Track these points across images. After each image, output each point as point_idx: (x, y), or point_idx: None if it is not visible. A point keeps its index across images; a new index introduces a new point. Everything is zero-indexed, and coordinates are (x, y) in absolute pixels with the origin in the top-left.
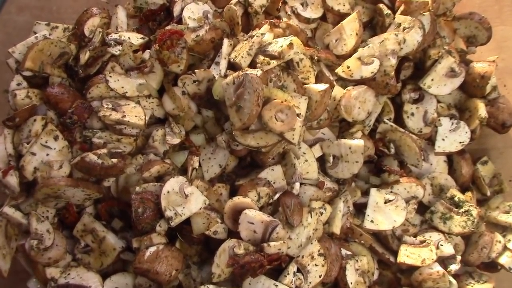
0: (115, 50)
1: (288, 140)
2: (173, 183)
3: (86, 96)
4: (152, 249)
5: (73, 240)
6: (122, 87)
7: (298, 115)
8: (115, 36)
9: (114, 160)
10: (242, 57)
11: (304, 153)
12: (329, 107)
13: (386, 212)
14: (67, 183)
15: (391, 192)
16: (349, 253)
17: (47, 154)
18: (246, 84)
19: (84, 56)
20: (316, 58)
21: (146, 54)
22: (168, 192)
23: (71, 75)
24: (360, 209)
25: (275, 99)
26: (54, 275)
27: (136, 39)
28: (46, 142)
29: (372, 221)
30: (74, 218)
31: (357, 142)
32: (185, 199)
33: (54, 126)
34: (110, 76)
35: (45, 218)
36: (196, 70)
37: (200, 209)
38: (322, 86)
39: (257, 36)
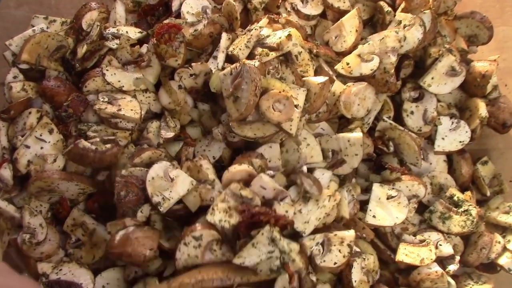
0: (113, 44)
1: (285, 131)
2: (157, 169)
3: (82, 90)
4: (122, 232)
5: (66, 236)
6: (119, 81)
7: (296, 106)
8: (113, 30)
9: (108, 146)
10: (240, 49)
11: (305, 138)
12: (329, 101)
13: (388, 208)
14: (60, 177)
15: (394, 188)
16: (357, 250)
17: (41, 148)
18: (244, 74)
19: (82, 50)
20: (315, 51)
21: (144, 48)
22: (153, 178)
23: (68, 69)
24: (361, 206)
25: (273, 89)
26: (45, 270)
27: (134, 33)
28: (40, 135)
29: (374, 216)
30: (67, 213)
31: (355, 135)
32: (171, 183)
33: (49, 119)
34: (107, 70)
35: (38, 212)
36: (193, 64)
37: (188, 190)
38: (321, 79)
39: (255, 29)
